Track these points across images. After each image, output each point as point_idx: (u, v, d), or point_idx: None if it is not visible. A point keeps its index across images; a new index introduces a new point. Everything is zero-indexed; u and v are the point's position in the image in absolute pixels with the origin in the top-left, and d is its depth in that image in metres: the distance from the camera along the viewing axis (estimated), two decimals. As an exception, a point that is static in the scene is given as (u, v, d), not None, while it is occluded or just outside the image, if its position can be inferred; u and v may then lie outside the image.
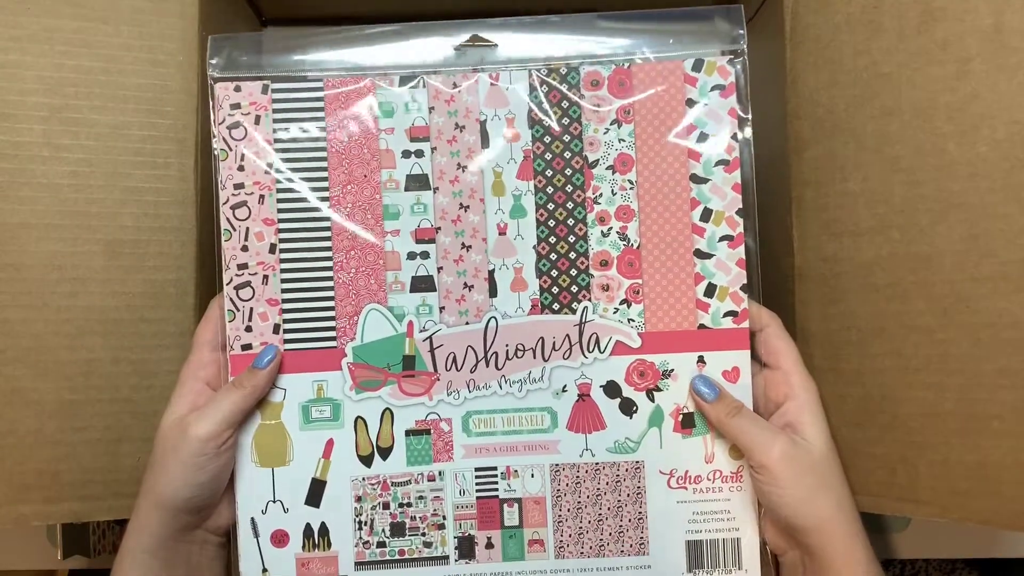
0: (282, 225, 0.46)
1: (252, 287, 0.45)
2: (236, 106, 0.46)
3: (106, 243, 0.45)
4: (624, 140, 0.46)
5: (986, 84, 0.37)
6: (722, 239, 0.46)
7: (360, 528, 0.46)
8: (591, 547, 0.46)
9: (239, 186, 0.46)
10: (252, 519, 0.46)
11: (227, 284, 0.45)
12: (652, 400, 0.46)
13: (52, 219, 0.45)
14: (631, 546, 0.46)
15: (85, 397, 0.45)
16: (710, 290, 0.46)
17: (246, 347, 0.45)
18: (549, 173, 0.46)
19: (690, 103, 0.46)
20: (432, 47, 0.48)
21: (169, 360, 0.46)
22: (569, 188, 0.46)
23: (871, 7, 0.42)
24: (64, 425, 0.45)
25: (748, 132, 0.46)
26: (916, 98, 0.40)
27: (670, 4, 0.48)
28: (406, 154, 0.46)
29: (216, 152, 0.46)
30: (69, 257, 0.45)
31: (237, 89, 0.46)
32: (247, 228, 0.46)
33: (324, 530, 0.46)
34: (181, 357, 0.46)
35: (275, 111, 0.46)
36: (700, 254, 0.46)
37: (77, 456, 0.45)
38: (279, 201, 0.46)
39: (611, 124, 0.46)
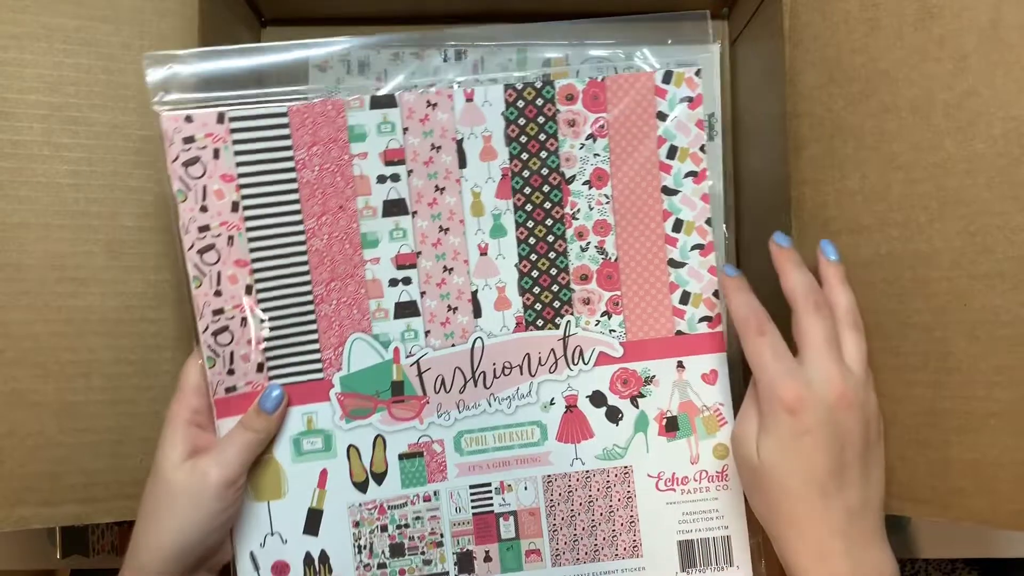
0: (256, 265, 0.44)
1: (231, 331, 0.44)
2: (190, 140, 0.43)
3: (106, 243, 0.45)
4: (599, 155, 0.47)
5: (983, 80, 0.37)
6: (693, 248, 0.47)
7: (360, 552, 0.47)
8: (586, 553, 0.48)
9: (204, 228, 0.44)
10: (251, 553, 0.46)
11: (203, 332, 0.44)
12: (636, 406, 0.48)
13: (52, 219, 0.44)
14: (624, 549, 0.48)
15: (85, 398, 0.45)
16: (685, 297, 0.48)
17: (230, 389, 0.45)
18: (527, 191, 0.46)
19: (660, 116, 0.46)
20: (401, 60, 0.47)
21: (170, 360, 0.46)
22: (548, 205, 0.47)
23: (869, 5, 0.42)
24: (64, 426, 0.45)
25: (718, 141, 0.47)
26: (914, 95, 0.40)
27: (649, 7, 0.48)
28: (382, 179, 0.45)
29: (173, 193, 0.43)
30: (69, 257, 0.44)
31: (188, 120, 0.43)
32: (218, 272, 0.44)
33: (324, 557, 0.46)
34: (182, 358, 0.45)
35: (235, 142, 0.44)
36: (674, 263, 0.47)
37: (77, 458, 0.45)
38: (250, 240, 0.44)
39: (586, 139, 0.46)
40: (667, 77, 0.46)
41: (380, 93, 0.45)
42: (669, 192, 0.47)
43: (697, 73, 0.47)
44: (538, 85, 0.46)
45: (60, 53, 0.44)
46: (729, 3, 0.58)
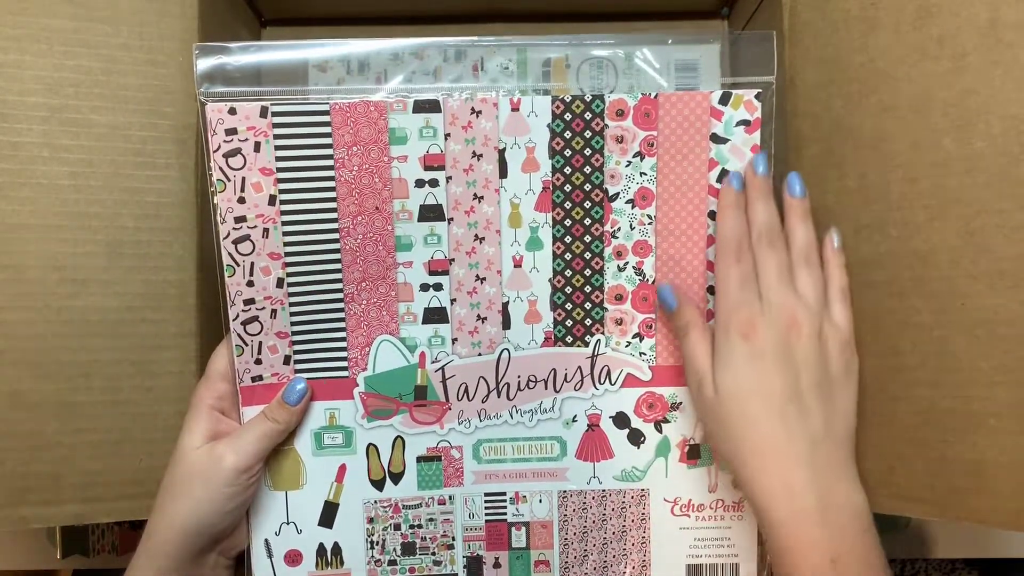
0: (289, 259, 0.44)
1: (260, 321, 0.44)
2: (232, 131, 0.43)
3: (107, 244, 0.44)
4: (646, 174, 0.45)
5: (982, 79, 0.37)
6: None
7: (372, 547, 0.47)
8: (595, 568, 0.48)
9: (240, 219, 0.43)
10: (266, 540, 0.47)
11: (233, 320, 0.44)
12: (660, 431, 0.47)
13: (52, 220, 0.44)
14: (634, 568, 0.48)
15: (86, 399, 0.45)
16: (722, 325, 0.46)
17: (256, 379, 0.45)
18: (568, 205, 0.45)
19: (715, 138, 0.45)
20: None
21: (170, 361, 0.46)
22: (587, 221, 0.45)
23: (868, 4, 0.41)
24: (65, 427, 0.45)
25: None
26: (913, 94, 0.39)
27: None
28: (420, 183, 0.44)
29: (213, 182, 0.43)
30: (69, 258, 0.44)
31: (232, 112, 0.43)
32: (252, 263, 0.44)
33: (337, 549, 0.47)
34: (182, 358, 0.45)
35: (276, 137, 0.43)
36: (712, 290, 0.46)
37: (78, 458, 0.45)
38: (285, 235, 0.44)
39: (633, 156, 0.45)
40: (724, 98, 0.44)
41: (424, 97, 0.44)
42: (714, 216, 0.45)
43: (757, 96, 0.44)
44: (588, 98, 0.44)
45: (60, 55, 0.43)
46: (729, 3, 0.56)
